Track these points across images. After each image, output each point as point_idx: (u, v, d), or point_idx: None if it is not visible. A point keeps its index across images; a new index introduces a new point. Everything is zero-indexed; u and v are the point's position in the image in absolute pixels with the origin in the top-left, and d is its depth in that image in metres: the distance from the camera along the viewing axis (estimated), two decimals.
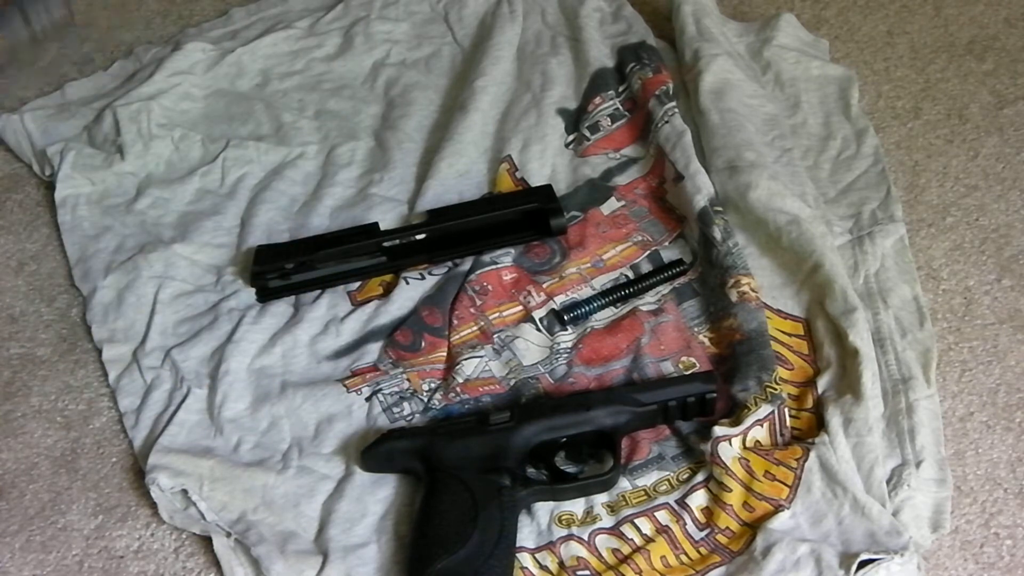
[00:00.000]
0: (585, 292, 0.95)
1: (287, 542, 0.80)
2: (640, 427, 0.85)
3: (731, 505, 0.79)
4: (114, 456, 0.88)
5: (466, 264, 0.97)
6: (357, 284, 0.97)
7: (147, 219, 1.05)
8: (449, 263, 0.97)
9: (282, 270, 0.96)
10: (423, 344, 0.92)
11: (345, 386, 0.88)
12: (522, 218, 0.99)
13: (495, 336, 0.92)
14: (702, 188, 0.97)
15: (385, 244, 0.97)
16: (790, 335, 0.90)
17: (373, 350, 0.91)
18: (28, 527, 0.85)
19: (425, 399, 0.88)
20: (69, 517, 0.85)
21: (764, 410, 0.82)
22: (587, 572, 0.78)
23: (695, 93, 1.05)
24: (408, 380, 0.89)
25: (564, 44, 1.15)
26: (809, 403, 0.85)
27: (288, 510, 0.82)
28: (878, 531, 0.76)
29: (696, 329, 0.92)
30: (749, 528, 0.78)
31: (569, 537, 0.80)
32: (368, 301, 0.95)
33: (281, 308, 0.96)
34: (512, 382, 0.89)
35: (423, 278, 0.96)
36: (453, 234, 0.98)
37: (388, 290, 0.96)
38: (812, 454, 0.80)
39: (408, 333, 0.92)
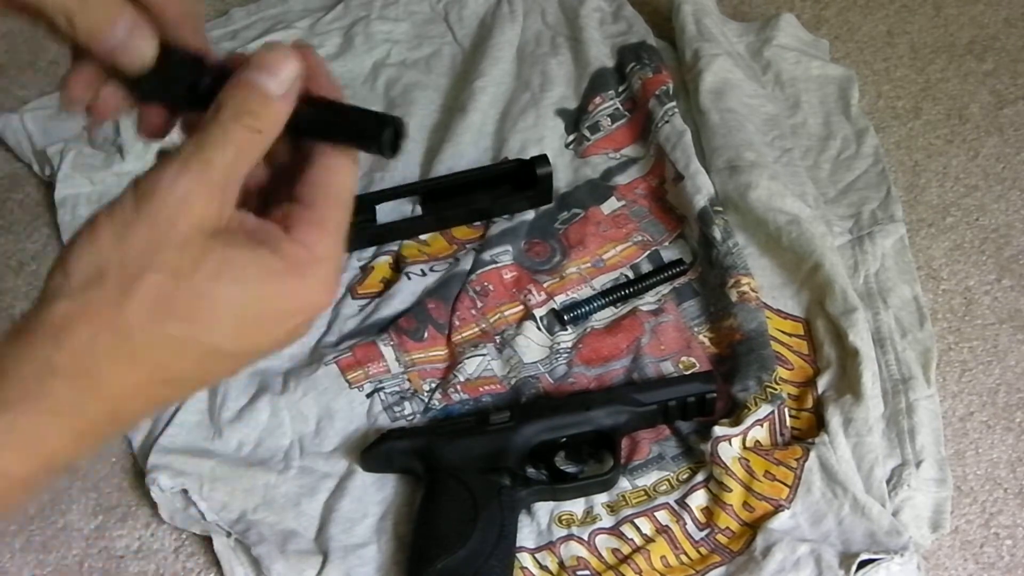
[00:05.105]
0: (585, 292, 0.95)
1: (287, 541, 0.80)
2: (640, 427, 0.85)
3: (731, 505, 0.79)
4: (114, 456, 0.88)
5: (467, 263, 0.97)
6: (358, 277, 0.97)
7: None
8: (450, 259, 0.97)
9: None
10: (426, 335, 0.91)
11: (347, 380, 0.88)
12: (513, 173, 1.00)
13: (496, 336, 0.92)
14: (702, 188, 0.97)
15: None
16: (790, 335, 0.90)
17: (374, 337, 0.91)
18: (28, 527, 0.84)
19: (425, 399, 0.88)
20: (69, 517, 0.85)
21: (764, 410, 0.82)
22: (587, 572, 0.78)
23: (695, 93, 1.05)
24: (409, 380, 0.89)
25: (564, 44, 1.15)
26: (809, 403, 0.85)
27: (289, 509, 0.82)
28: (878, 531, 0.76)
29: (696, 329, 0.92)
30: (749, 528, 0.78)
31: (569, 537, 0.80)
32: (369, 295, 0.95)
33: None
34: (513, 381, 0.89)
35: (424, 274, 0.96)
36: (445, 188, 1.00)
37: (388, 286, 0.96)
38: (812, 454, 0.80)
39: (413, 320, 0.91)
